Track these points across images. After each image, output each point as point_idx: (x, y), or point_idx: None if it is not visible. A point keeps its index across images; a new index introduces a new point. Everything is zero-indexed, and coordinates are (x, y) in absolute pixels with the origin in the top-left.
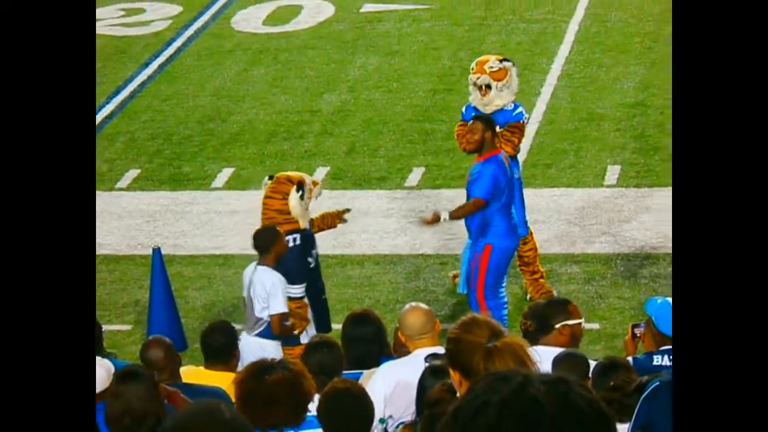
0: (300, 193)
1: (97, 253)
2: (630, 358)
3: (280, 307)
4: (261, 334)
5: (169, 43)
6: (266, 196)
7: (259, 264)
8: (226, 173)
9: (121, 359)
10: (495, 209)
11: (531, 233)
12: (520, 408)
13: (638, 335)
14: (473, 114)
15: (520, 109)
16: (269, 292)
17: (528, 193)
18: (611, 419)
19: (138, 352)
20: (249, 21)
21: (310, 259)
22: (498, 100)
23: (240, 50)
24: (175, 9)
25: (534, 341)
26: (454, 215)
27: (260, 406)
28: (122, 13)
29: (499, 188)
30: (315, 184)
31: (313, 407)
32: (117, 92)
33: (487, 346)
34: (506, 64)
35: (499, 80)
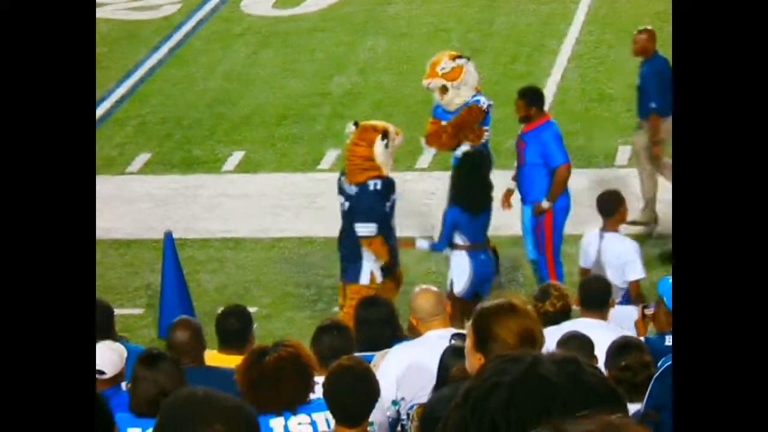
0: (385, 141)
1: (109, 237)
2: (642, 339)
3: (638, 273)
4: (620, 303)
5: (178, 27)
6: (353, 143)
7: (604, 230)
8: (237, 156)
9: (134, 343)
10: (551, 173)
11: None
12: (532, 388)
13: (647, 316)
14: (440, 111)
15: (478, 97)
16: (625, 259)
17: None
18: (622, 397)
19: (150, 335)
20: (258, 4)
21: (388, 204)
22: (457, 98)
23: (249, 33)
24: None
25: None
26: (553, 198)
27: (269, 387)
28: None
29: (564, 145)
30: (397, 133)
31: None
32: (127, 76)
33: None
34: (459, 61)
35: (453, 80)
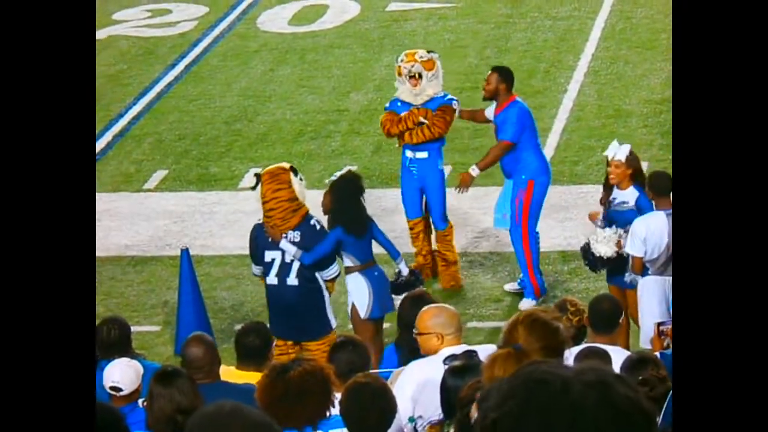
0: (298, 176)
1: (126, 254)
2: (657, 354)
3: None
4: None
5: (195, 44)
6: (273, 191)
7: (665, 210)
8: (253, 173)
9: (150, 360)
10: (529, 147)
11: (450, 227)
12: (560, 415)
13: (664, 332)
14: (398, 104)
15: (450, 96)
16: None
17: (555, 190)
18: (652, 416)
19: (167, 353)
20: (274, 21)
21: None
22: (429, 89)
23: (266, 50)
24: (201, 9)
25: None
26: (483, 165)
27: (294, 402)
28: (148, 14)
29: (525, 127)
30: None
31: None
32: (144, 93)
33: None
34: (433, 55)
35: (429, 70)
